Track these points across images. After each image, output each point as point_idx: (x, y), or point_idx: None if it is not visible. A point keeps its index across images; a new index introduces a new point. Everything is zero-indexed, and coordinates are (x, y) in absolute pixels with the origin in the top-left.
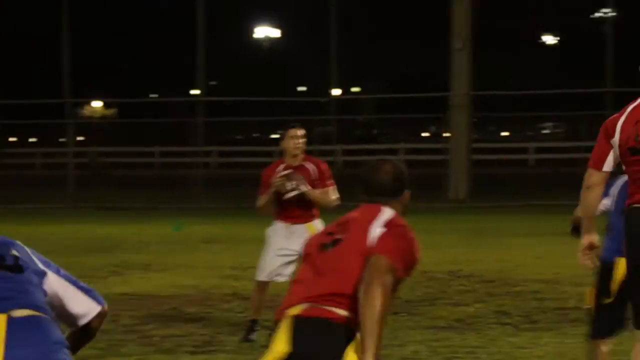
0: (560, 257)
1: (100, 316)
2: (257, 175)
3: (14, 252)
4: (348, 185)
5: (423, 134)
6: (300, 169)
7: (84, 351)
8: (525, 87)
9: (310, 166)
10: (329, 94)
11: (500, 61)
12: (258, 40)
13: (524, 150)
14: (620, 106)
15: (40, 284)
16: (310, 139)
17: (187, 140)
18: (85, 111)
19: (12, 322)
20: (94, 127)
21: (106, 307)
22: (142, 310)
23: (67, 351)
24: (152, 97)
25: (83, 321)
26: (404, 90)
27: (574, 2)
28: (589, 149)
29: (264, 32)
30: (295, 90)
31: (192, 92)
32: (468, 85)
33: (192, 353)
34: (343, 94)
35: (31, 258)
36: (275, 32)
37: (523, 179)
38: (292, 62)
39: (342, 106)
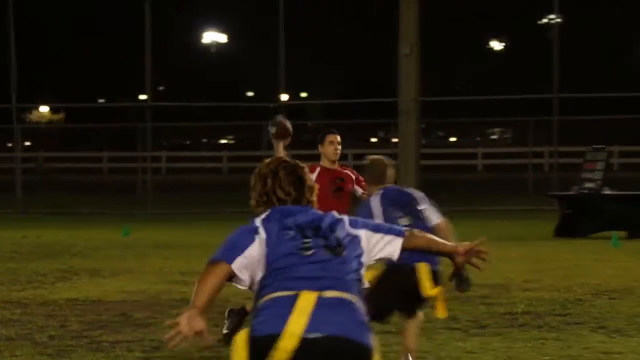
0: (509, 262)
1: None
2: (206, 180)
3: (338, 233)
4: None
5: (371, 140)
6: (342, 173)
7: (32, 358)
8: (473, 93)
9: (349, 170)
10: (278, 99)
11: (448, 67)
12: (206, 46)
13: (472, 156)
14: (566, 111)
15: (358, 260)
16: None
17: (136, 146)
18: (33, 116)
19: (321, 301)
20: (41, 132)
21: (406, 234)
22: (91, 316)
23: (370, 333)
24: (99, 102)
25: (395, 255)
26: (352, 96)
27: (520, 8)
28: (536, 154)
29: (212, 37)
30: (244, 95)
31: (141, 97)
32: (416, 90)
33: (142, 359)
34: (292, 99)
35: (346, 230)
36: (222, 37)
37: (471, 184)
38: (240, 67)
39: (291, 111)
